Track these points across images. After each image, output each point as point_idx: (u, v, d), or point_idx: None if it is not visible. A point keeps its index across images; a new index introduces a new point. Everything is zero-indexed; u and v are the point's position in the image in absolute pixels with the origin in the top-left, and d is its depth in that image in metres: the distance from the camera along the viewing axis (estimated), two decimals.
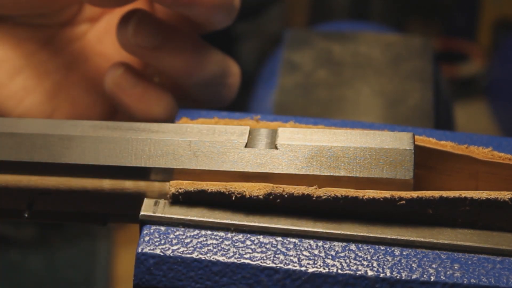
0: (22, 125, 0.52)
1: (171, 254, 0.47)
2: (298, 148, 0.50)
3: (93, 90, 0.61)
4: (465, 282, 0.45)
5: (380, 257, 0.47)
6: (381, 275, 0.46)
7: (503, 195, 0.48)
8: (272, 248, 0.48)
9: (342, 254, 0.47)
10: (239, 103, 0.72)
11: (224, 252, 0.48)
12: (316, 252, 0.47)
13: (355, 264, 0.47)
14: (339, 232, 0.48)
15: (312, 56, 0.95)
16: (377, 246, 0.48)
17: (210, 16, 0.54)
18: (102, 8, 0.59)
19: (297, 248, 0.48)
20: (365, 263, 0.47)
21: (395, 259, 0.47)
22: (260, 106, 0.91)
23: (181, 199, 0.49)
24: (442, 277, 0.46)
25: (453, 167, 0.52)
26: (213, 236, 0.48)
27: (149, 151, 0.50)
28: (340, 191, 0.48)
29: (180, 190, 0.49)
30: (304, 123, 0.55)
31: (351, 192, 0.48)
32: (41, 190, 0.51)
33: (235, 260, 0.47)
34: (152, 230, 0.48)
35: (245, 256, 0.47)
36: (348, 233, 0.48)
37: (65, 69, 0.60)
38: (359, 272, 0.46)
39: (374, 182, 0.49)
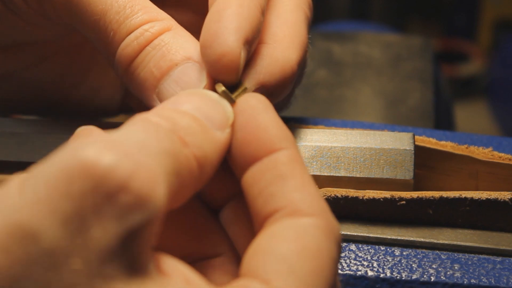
0: (22, 125, 0.52)
1: None
2: (298, 148, 0.50)
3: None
4: (465, 282, 0.45)
5: (380, 257, 0.47)
6: (381, 275, 0.46)
7: (503, 195, 0.48)
8: None
9: (342, 254, 0.47)
10: None
11: None
12: None
13: (355, 264, 0.47)
14: None
15: (312, 56, 0.95)
16: (377, 246, 0.48)
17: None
18: None
19: None
20: (365, 263, 0.47)
21: (395, 259, 0.47)
22: None
23: None
24: (442, 277, 0.46)
25: (453, 167, 0.52)
26: None
27: None
28: (340, 191, 0.48)
29: None
30: (304, 123, 0.55)
31: (351, 192, 0.48)
32: None
33: None
34: None
35: None
36: (348, 233, 0.48)
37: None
38: (359, 272, 0.46)
39: (374, 182, 0.49)
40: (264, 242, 0.36)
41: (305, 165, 0.39)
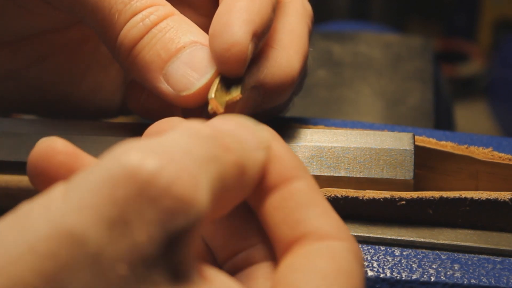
0: (22, 125, 0.52)
1: None
2: (298, 148, 0.50)
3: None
4: (465, 282, 0.45)
5: (380, 257, 0.47)
6: (381, 275, 0.46)
7: (503, 195, 0.48)
8: None
9: None
10: None
11: None
12: None
13: None
14: None
15: (312, 56, 0.95)
16: (377, 246, 0.48)
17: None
18: None
19: None
20: (365, 263, 0.47)
21: (395, 259, 0.47)
22: None
23: None
24: (442, 277, 0.46)
25: (453, 167, 0.52)
26: None
27: None
28: (340, 191, 0.48)
29: None
30: (304, 123, 0.55)
31: (351, 192, 0.48)
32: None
33: None
34: None
35: None
36: None
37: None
38: None
39: (374, 182, 0.49)
40: (301, 260, 0.36)
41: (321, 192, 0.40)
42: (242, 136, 0.38)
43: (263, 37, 0.46)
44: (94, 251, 0.31)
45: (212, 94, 0.44)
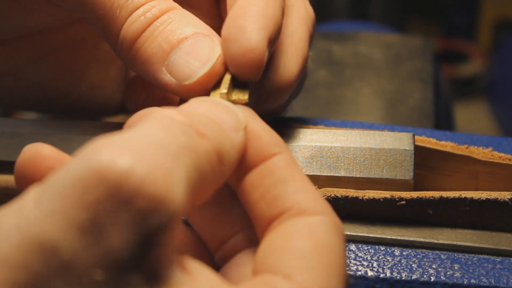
0: (22, 125, 0.52)
1: None
2: (298, 148, 0.50)
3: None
4: (465, 282, 0.45)
5: (380, 257, 0.47)
6: (381, 275, 0.46)
7: (503, 195, 0.48)
8: None
9: None
10: None
11: None
12: None
13: (355, 264, 0.47)
14: None
15: (312, 56, 0.95)
16: (377, 246, 0.48)
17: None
18: None
19: None
20: (365, 263, 0.47)
21: (395, 259, 0.47)
22: None
23: None
24: (442, 277, 0.46)
25: (453, 167, 0.52)
26: None
27: None
28: (340, 191, 0.48)
29: None
30: (304, 123, 0.55)
31: (351, 192, 0.48)
32: None
33: None
34: None
35: None
36: (348, 233, 0.48)
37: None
38: (359, 272, 0.46)
39: (374, 182, 0.49)
40: (279, 240, 0.36)
41: (299, 166, 0.39)
42: (219, 118, 0.38)
43: (275, 43, 0.46)
44: (67, 258, 0.30)
45: (224, 90, 0.44)
